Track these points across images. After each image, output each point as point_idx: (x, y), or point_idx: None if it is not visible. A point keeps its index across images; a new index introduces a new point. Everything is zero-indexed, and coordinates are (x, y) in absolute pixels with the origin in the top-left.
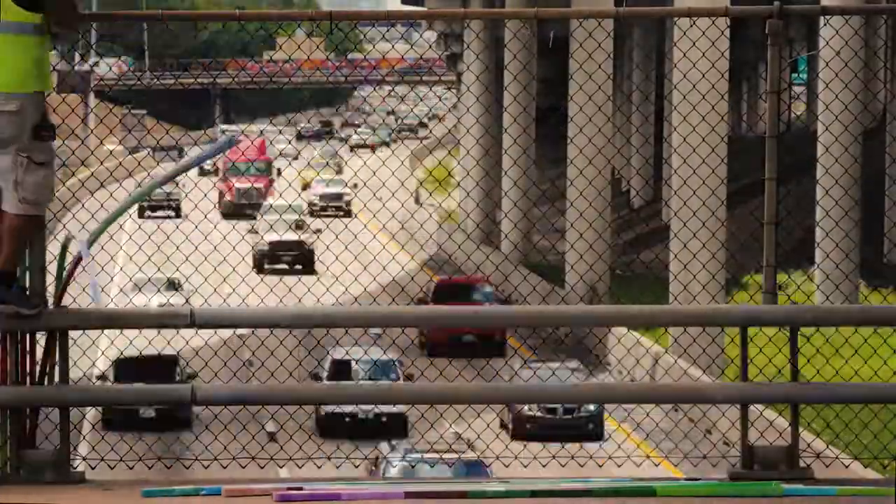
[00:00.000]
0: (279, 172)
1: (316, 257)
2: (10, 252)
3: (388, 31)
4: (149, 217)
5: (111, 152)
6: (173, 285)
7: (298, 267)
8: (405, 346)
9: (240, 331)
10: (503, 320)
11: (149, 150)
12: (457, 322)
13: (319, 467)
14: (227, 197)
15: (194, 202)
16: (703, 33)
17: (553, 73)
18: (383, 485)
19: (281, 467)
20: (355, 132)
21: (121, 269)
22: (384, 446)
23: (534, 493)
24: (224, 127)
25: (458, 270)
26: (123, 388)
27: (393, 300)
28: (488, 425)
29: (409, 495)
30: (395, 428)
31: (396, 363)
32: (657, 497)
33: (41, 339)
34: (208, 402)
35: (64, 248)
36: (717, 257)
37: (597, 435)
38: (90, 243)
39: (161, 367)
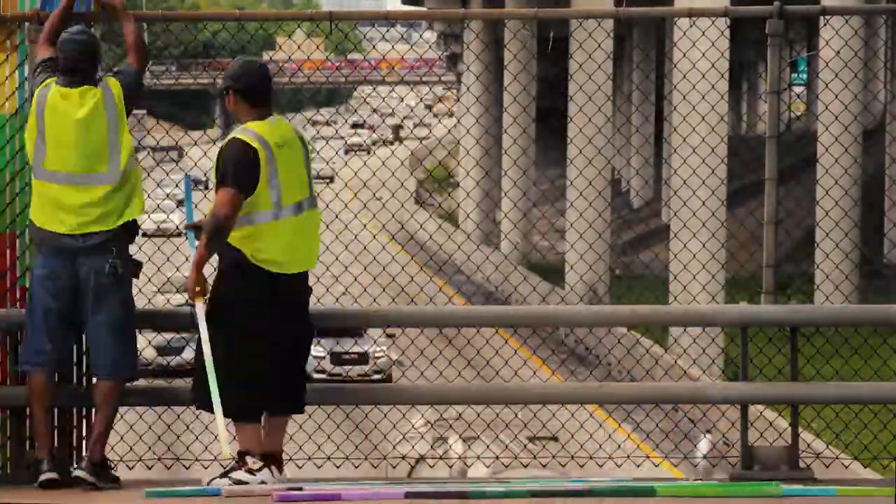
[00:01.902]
0: None
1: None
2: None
3: (387, 31)
4: None
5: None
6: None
7: None
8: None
9: None
10: (503, 320)
11: (149, 149)
12: (457, 322)
13: (319, 467)
14: None
15: None
16: (703, 33)
17: (553, 73)
18: (384, 485)
19: None
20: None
21: None
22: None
23: (534, 494)
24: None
25: (457, 271)
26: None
27: (393, 300)
28: (489, 425)
29: (409, 495)
30: None
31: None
32: (657, 497)
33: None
34: None
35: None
36: (717, 257)
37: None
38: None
39: None
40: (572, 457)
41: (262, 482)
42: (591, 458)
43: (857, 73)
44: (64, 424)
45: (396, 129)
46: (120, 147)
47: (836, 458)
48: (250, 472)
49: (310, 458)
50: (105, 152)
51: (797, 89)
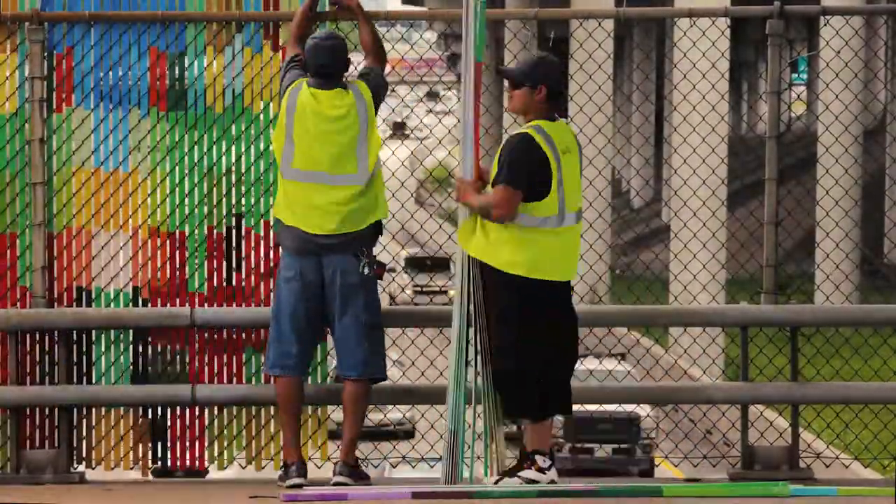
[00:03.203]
0: None
1: None
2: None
3: (388, 31)
4: None
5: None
6: None
7: None
8: None
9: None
10: None
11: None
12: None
13: (319, 467)
14: None
15: None
16: (703, 33)
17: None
18: (390, 485)
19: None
20: None
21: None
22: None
23: (540, 494)
24: None
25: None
26: (124, 389)
27: (393, 300)
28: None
29: (416, 495)
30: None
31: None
32: (664, 497)
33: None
34: (208, 403)
35: None
36: (717, 257)
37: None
38: None
39: None
40: (572, 456)
41: (552, 481)
42: (591, 457)
43: (857, 73)
44: (65, 424)
45: (399, 125)
46: (368, 149)
47: (837, 458)
48: (540, 470)
49: (309, 458)
50: (354, 153)
51: (797, 89)
